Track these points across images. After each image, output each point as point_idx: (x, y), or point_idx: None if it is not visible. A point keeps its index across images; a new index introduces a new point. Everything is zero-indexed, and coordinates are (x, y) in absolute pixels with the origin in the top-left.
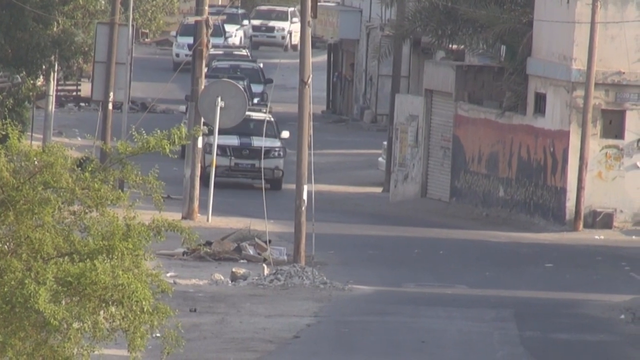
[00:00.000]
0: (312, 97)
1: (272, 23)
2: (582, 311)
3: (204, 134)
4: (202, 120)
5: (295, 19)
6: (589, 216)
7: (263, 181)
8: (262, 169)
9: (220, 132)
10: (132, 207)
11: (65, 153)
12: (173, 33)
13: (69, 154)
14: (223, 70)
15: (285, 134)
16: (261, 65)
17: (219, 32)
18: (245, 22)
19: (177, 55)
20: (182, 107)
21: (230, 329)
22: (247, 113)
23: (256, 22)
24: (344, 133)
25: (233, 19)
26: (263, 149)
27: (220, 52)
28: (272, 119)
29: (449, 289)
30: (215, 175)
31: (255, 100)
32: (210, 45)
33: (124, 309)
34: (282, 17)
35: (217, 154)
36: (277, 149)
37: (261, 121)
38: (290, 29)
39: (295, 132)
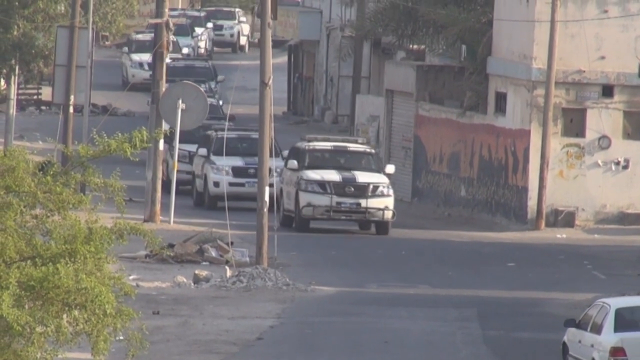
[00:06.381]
0: (272, 99)
1: (220, 22)
2: (545, 310)
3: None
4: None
5: (242, 19)
6: (550, 215)
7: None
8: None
9: (315, 167)
10: (94, 210)
11: (26, 157)
12: (125, 49)
13: (31, 158)
14: None
15: (390, 168)
16: (217, 100)
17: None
18: (209, 24)
19: (133, 75)
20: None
21: (193, 332)
22: (343, 144)
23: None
24: (305, 134)
25: (197, 22)
26: (371, 185)
27: (178, 58)
28: (374, 151)
29: (412, 289)
30: (312, 217)
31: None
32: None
33: (87, 312)
34: (229, 16)
35: (314, 192)
36: (384, 186)
37: (360, 153)
38: (238, 28)
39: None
